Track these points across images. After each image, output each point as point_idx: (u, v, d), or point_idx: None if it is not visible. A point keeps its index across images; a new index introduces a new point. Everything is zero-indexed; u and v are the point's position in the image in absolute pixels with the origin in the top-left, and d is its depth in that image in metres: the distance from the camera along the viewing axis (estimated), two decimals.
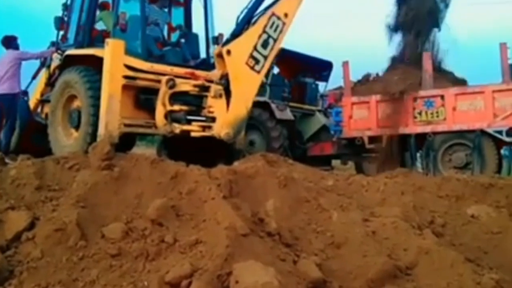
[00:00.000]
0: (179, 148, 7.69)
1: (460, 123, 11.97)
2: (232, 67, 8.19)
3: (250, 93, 8.46)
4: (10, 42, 9.98)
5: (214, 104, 8.12)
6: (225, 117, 8.12)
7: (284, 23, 8.35)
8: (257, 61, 8.20)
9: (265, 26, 8.24)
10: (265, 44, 8.25)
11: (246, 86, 8.32)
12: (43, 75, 9.92)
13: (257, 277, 3.74)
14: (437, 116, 12.26)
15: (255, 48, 8.18)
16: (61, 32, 9.48)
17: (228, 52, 8.13)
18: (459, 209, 6.41)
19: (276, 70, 15.99)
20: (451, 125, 12.06)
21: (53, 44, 9.55)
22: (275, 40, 8.35)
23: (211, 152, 7.78)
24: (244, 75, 8.22)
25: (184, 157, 6.54)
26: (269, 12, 8.34)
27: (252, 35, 8.25)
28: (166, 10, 9.65)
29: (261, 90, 14.12)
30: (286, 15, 8.37)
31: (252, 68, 8.19)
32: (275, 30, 8.31)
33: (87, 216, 5.01)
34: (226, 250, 4.17)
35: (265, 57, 8.28)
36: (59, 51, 9.13)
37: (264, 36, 8.23)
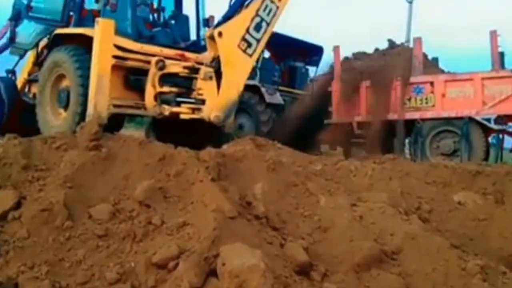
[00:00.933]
0: (168, 130, 7.66)
1: (448, 110, 12.01)
2: (224, 49, 8.13)
3: (241, 77, 8.42)
4: None
5: (204, 87, 8.07)
6: (215, 99, 8.08)
7: (277, 7, 8.30)
8: (249, 44, 8.14)
9: (258, 9, 8.17)
10: (257, 28, 8.19)
11: (238, 69, 8.27)
12: (30, 54, 9.81)
13: (244, 259, 3.74)
14: (426, 103, 12.29)
15: (247, 31, 8.12)
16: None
17: (220, 34, 8.06)
18: (446, 196, 6.46)
19: (266, 54, 15.94)
20: (439, 112, 12.10)
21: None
22: (268, 24, 8.29)
23: (200, 134, 7.76)
24: (235, 58, 8.16)
25: (172, 139, 6.51)
26: None
27: (244, 18, 8.19)
28: None
29: (252, 74, 14.12)
30: None
31: (244, 51, 8.13)
32: (268, 14, 8.24)
33: (74, 196, 4.99)
34: (213, 232, 4.17)
35: (258, 41, 8.22)
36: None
37: (257, 19, 8.17)
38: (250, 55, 8.25)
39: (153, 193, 5.06)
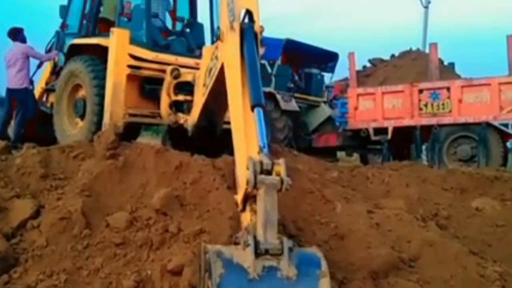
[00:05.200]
0: (184, 138, 7.67)
1: (465, 116, 11.91)
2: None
3: None
4: (17, 34, 9.95)
5: None
6: None
7: None
8: None
9: None
10: None
11: None
12: (48, 64, 9.92)
13: None
14: (443, 108, 12.21)
15: None
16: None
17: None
18: (464, 202, 6.42)
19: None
20: (456, 118, 12.01)
21: (57, 33, 9.53)
22: None
23: (216, 142, 7.76)
24: None
25: (188, 147, 6.53)
26: None
27: None
28: None
29: (267, 81, 14.15)
30: None
31: None
32: None
33: (92, 205, 5.04)
34: (230, 239, 4.18)
35: None
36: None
37: None
38: None
39: (170, 201, 5.08)
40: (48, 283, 4.28)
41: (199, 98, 6.55)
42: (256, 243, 3.25)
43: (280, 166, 3.45)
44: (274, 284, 3.22)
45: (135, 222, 4.93)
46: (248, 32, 4.65)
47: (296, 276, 3.24)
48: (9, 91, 9.63)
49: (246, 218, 3.65)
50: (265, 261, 3.24)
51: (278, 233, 3.40)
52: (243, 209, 3.76)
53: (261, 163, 3.41)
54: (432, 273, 4.69)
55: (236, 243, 3.50)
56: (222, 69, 5.13)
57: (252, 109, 4.01)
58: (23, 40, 9.94)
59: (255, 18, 4.79)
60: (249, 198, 3.58)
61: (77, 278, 4.37)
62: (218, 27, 5.36)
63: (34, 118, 9.52)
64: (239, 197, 3.78)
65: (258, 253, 3.23)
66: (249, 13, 4.79)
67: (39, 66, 10.41)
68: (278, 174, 3.42)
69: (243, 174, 3.66)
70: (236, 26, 4.72)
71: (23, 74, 9.61)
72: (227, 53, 5.00)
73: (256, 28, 4.76)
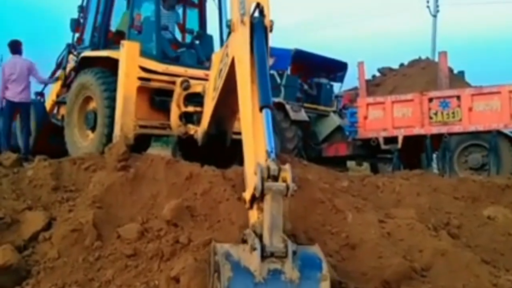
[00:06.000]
0: (194, 149, 7.70)
1: (476, 124, 11.86)
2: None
3: None
4: (17, 47, 10.14)
5: None
6: None
7: None
8: None
9: None
10: None
11: None
12: (59, 76, 10.01)
13: None
14: (453, 117, 12.17)
15: None
16: (77, 34, 9.56)
17: None
18: (475, 211, 6.38)
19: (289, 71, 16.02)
20: (467, 126, 11.96)
21: (68, 46, 9.63)
22: None
23: (226, 153, 7.78)
24: None
25: (199, 158, 6.56)
26: None
27: None
28: (176, 10, 9.64)
29: (276, 91, 14.17)
30: None
31: None
32: None
33: (103, 216, 5.06)
34: None
35: None
36: (74, 54, 9.22)
37: None
38: None
39: (180, 212, 5.09)
40: None
41: (209, 104, 6.58)
42: (262, 247, 3.41)
43: (287, 172, 3.56)
44: (278, 287, 3.40)
45: (146, 233, 4.94)
46: (258, 26, 4.69)
47: (298, 279, 3.41)
48: (15, 104, 9.78)
49: (253, 216, 3.78)
50: (271, 263, 3.41)
51: (285, 238, 3.53)
52: (251, 207, 3.86)
53: (268, 168, 3.53)
54: (444, 283, 4.66)
55: (244, 241, 3.65)
56: (232, 65, 5.18)
57: (260, 110, 4.13)
58: (21, 53, 10.15)
59: (265, 12, 4.80)
60: (256, 197, 3.67)
61: None
62: (229, 20, 5.39)
63: (45, 130, 9.61)
64: (247, 196, 3.88)
65: (264, 256, 3.40)
66: (259, 7, 4.79)
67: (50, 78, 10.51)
68: (284, 180, 3.54)
69: (251, 175, 3.79)
70: (247, 20, 4.77)
71: (29, 89, 9.90)
72: (237, 48, 5.05)
73: (266, 22, 4.78)
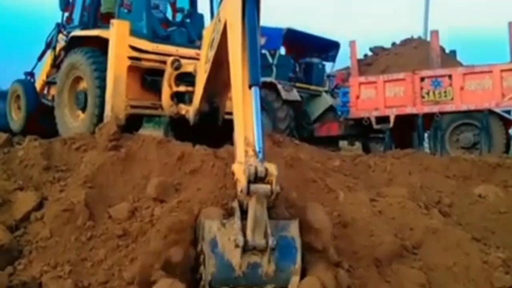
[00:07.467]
0: (186, 129, 7.67)
1: (468, 103, 11.91)
2: None
3: None
4: None
5: None
6: None
7: None
8: None
9: None
10: None
11: None
12: (48, 56, 9.91)
13: None
14: (445, 96, 12.19)
15: None
16: (66, 14, 9.46)
17: None
18: (466, 189, 6.42)
19: (282, 50, 15.95)
20: (458, 105, 12.01)
21: (58, 25, 9.53)
22: None
23: (218, 133, 7.76)
24: None
25: (190, 138, 6.53)
26: None
27: None
28: None
29: (268, 71, 14.14)
30: None
31: None
32: None
33: (95, 196, 5.04)
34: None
35: None
36: (64, 33, 9.13)
37: None
38: None
39: (165, 188, 5.07)
40: (53, 275, 4.29)
41: (201, 79, 6.56)
42: (245, 242, 3.72)
43: (273, 176, 3.78)
44: (254, 280, 3.80)
45: (137, 212, 4.93)
46: None
47: (273, 273, 3.81)
48: None
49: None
50: (251, 256, 3.78)
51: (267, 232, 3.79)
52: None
53: (256, 170, 3.73)
54: (435, 260, 4.70)
55: (230, 213, 4.05)
56: (224, 32, 5.18)
57: (250, 87, 4.26)
58: None
59: None
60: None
61: (81, 270, 4.38)
62: None
63: (36, 111, 9.54)
64: (235, 168, 4.09)
65: (246, 249, 3.75)
66: None
67: (39, 58, 10.41)
68: (270, 182, 3.77)
69: (240, 144, 4.13)
70: None
71: None
72: (229, 12, 5.06)
73: None
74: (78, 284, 4.23)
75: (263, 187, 3.72)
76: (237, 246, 3.73)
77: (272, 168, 3.80)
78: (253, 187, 3.69)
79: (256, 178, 3.71)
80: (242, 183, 3.73)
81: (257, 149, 3.94)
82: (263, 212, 3.76)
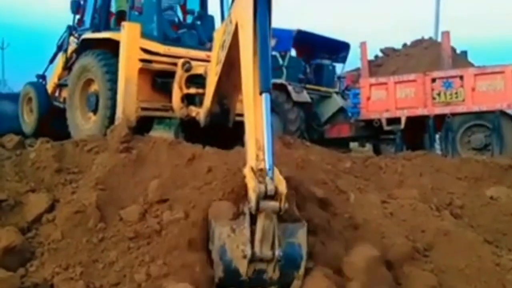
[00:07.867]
0: (197, 131, 7.69)
1: (479, 104, 11.83)
2: None
3: None
4: None
5: None
6: None
7: None
8: None
9: None
10: None
11: None
12: (60, 59, 9.97)
13: None
14: (456, 97, 12.12)
15: None
16: (78, 16, 9.52)
17: None
18: (478, 191, 6.37)
19: (293, 52, 15.94)
20: (470, 106, 11.93)
21: (69, 28, 9.59)
22: None
23: (228, 134, 7.78)
24: None
25: (201, 140, 6.55)
26: None
27: None
28: None
29: (278, 72, 14.13)
30: None
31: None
32: None
33: (106, 198, 5.06)
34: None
35: None
36: (75, 36, 9.18)
37: None
38: None
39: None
40: (64, 276, 4.30)
41: (212, 81, 6.57)
42: (253, 254, 3.84)
43: (282, 194, 3.82)
44: (258, 283, 3.94)
45: (147, 215, 4.94)
46: None
47: (277, 278, 3.95)
48: None
49: (250, 183, 3.96)
50: (258, 263, 3.91)
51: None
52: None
53: (266, 189, 3.78)
54: (447, 262, 4.67)
55: (240, 213, 4.12)
56: (236, 34, 5.19)
57: (260, 93, 4.27)
58: None
59: None
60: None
61: (93, 271, 4.39)
62: None
63: (47, 113, 9.60)
64: (246, 171, 4.13)
65: (252, 260, 3.87)
66: None
67: (51, 61, 10.48)
68: (279, 199, 3.81)
69: (252, 145, 4.18)
70: None
71: None
72: (240, 12, 5.06)
73: None
74: (90, 285, 4.24)
75: (272, 204, 3.80)
76: (244, 257, 3.87)
77: (282, 187, 3.86)
78: (263, 203, 3.77)
79: (266, 196, 3.78)
80: (252, 200, 3.80)
81: (267, 167, 3.97)
82: (271, 226, 3.86)
